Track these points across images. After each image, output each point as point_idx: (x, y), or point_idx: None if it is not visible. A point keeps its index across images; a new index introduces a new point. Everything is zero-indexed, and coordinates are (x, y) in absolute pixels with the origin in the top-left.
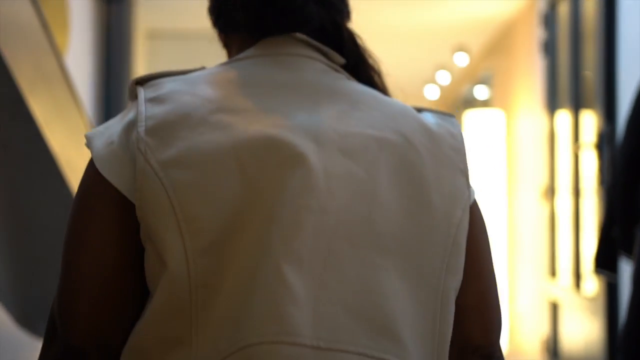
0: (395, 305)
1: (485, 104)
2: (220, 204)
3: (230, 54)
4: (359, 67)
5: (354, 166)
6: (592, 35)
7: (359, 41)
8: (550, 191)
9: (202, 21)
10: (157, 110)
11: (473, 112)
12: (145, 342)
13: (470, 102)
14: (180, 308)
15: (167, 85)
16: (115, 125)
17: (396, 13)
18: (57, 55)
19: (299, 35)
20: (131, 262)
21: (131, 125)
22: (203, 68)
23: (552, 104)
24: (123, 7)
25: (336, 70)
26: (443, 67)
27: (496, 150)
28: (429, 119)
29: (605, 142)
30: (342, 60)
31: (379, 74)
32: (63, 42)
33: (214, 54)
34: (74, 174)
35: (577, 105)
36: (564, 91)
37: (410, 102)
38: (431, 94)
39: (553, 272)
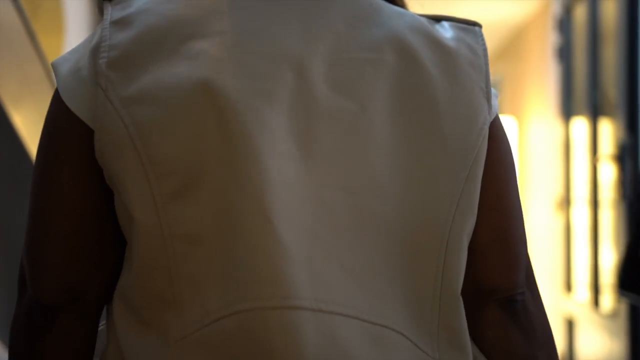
0: (391, 260)
1: None
2: (189, 142)
3: None
4: None
5: (342, 100)
6: (612, 39)
7: None
8: (566, 202)
9: None
10: (122, 37)
11: None
12: (133, 299)
13: None
14: (157, 263)
15: (136, 3)
16: (83, 48)
17: None
18: (45, 63)
19: None
20: (103, 208)
21: (95, 51)
22: None
23: (568, 112)
24: None
25: None
26: None
27: None
28: (445, 31)
29: (627, 153)
30: None
31: None
32: (59, 46)
33: None
34: None
35: (595, 113)
36: (581, 98)
37: None
38: None
39: (568, 287)
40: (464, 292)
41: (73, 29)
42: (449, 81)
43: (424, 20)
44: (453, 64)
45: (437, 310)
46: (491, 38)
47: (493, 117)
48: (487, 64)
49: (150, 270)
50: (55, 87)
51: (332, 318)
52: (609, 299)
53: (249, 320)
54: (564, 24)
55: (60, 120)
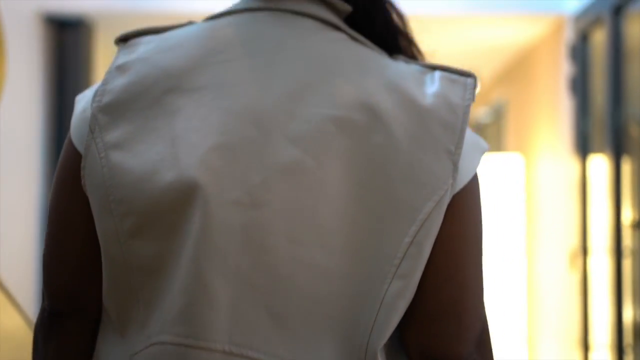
0: (325, 310)
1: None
2: (147, 190)
3: None
4: (371, 13)
5: (299, 154)
6: (638, 65)
7: None
8: (582, 251)
9: None
10: (117, 83)
11: (487, 157)
12: (109, 310)
13: (478, 128)
14: (124, 285)
15: (140, 49)
16: (95, 87)
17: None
18: None
19: None
20: (93, 226)
21: (95, 95)
22: (191, 23)
23: (584, 148)
24: (79, 33)
25: (335, 27)
26: None
27: (513, 201)
28: (430, 85)
29: None
30: (347, 8)
31: (400, 17)
32: (0, 74)
33: None
34: None
35: (617, 151)
36: (599, 134)
37: None
38: None
39: (585, 347)
40: (410, 356)
41: (22, 55)
42: (412, 145)
43: (413, 71)
44: (422, 126)
45: None
46: (495, 61)
47: (463, 182)
48: (464, 122)
49: (119, 289)
50: None
51: None
52: None
53: (162, 353)
54: (578, 52)
55: (66, 152)
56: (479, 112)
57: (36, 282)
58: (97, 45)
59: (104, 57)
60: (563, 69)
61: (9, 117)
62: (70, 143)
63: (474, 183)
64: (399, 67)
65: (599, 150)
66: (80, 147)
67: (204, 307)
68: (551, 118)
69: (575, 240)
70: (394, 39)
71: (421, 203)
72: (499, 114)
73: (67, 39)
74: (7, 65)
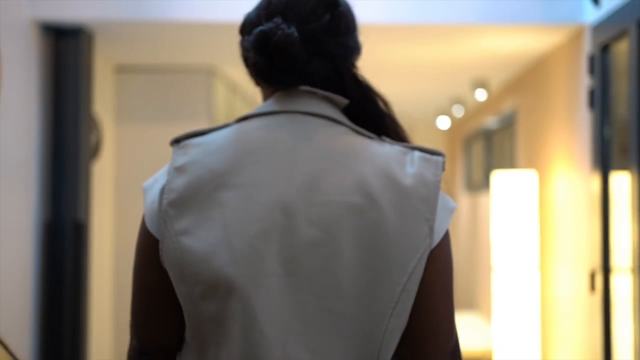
0: (345, 343)
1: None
2: (212, 266)
3: (261, 92)
4: (363, 103)
5: (317, 232)
6: None
7: (361, 80)
8: (603, 270)
9: (172, 56)
10: (178, 182)
11: (500, 174)
12: (187, 351)
13: (485, 134)
14: (199, 333)
15: (191, 152)
16: (159, 181)
17: (416, 47)
18: None
19: (304, 87)
20: (171, 289)
21: (162, 192)
22: (226, 125)
23: (604, 164)
24: (79, 42)
25: (337, 122)
26: (459, 101)
27: (526, 219)
28: (410, 165)
29: None
30: (345, 101)
31: (385, 103)
32: None
33: (182, 86)
34: None
35: None
36: (621, 149)
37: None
38: (443, 124)
39: None
40: None
41: (18, 64)
42: (399, 217)
43: (396, 152)
44: (406, 202)
45: None
46: (508, 70)
47: (438, 239)
48: (436, 194)
49: (197, 334)
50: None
51: None
52: None
53: None
54: (598, 63)
55: (143, 232)
56: (488, 120)
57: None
58: (95, 54)
59: (102, 65)
60: (580, 80)
61: (4, 127)
62: (146, 228)
63: (445, 238)
64: (386, 151)
65: (621, 165)
66: (155, 233)
67: (260, 349)
68: (567, 132)
69: (595, 259)
70: (381, 122)
71: (408, 260)
72: (509, 123)
73: (64, 47)
74: (2, 73)
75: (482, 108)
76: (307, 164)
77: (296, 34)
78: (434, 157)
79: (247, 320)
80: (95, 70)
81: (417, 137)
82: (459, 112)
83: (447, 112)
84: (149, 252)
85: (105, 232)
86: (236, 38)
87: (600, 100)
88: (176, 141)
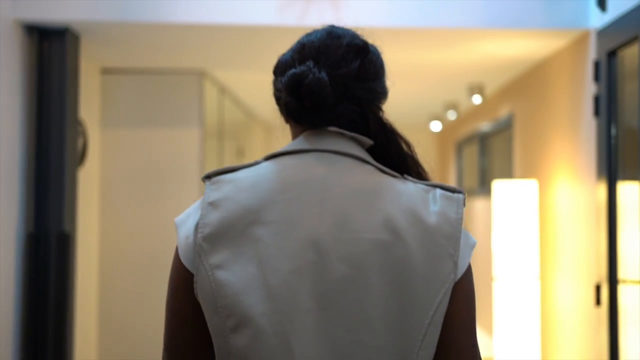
0: None
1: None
2: (247, 301)
3: (290, 129)
4: (387, 145)
5: (347, 269)
6: None
7: (386, 122)
8: (609, 281)
9: (161, 59)
10: (212, 217)
11: (500, 183)
12: None
13: (481, 138)
14: None
15: (224, 188)
16: (192, 216)
17: (415, 50)
18: None
19: (333, 128)
20: (203, 322)
21: (197, 227)
22: (256, 163)
23: (610, 173)
24: (64, 43)
25: (363, 161)
26: (455, 104)
27: (527, 228)
28: (433, 203)
29: None
30: (370, 142)
31: (407, 144)
32: None
33: (167, 88)
34: None
35: None
36: (629, 157)
37: (414, 132)
38: (436, 126)
39: None
40: None
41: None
42: (425, 254)
43: (419, 191)
44: (431, 239)
45: None
46: (507, 75)
47: (461, 274)
48: (459, 231)
49: None
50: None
51: None
52: None
53: None
54: (604, 69)
55: (177, 267)
56: (483, 124)
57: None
58: (82, 56)
59: (88, 68)
60: (584, 86)
61: None
62: (180, 262)
63: (468, 272)
64: (410, 190)
65: (628, 174)
66: (189, 267)
67: None
68: (569, 139)
69: (601, 271)
70: (403, 163)
71: (434, 294)
72: (505, 127)
73: (49, 49)
74: None
75: (477, 111)
76: (337, 202)
77: (326, 78)
78: (455, 195)
79: (282, 354)
80: (81, 72)
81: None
82: (453, 115)
83: (442, 115)
84: (184, 286)
85: (91, 241)
86: (226, 40)
87: (607, 107)
88: (207, 177)
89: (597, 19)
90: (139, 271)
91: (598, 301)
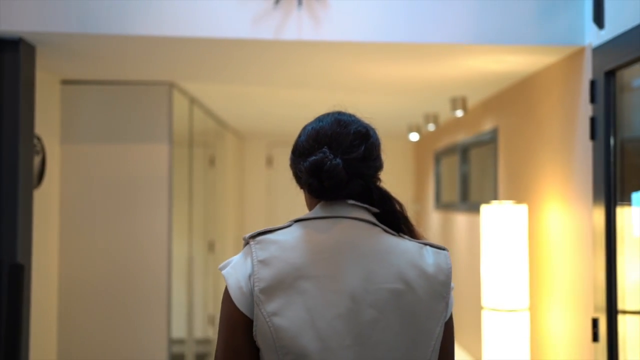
0: None
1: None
2: (302, 341)
3: (305, 197)
4: (386, 210)
5: (375, 313)
6: None
7: (384, 191)
8: (609, 314)
9: (126, 72)
10: (264, 273)
11: (489, 208)
12: None
13: (463, 150)
14: None
15: (270, 249)
16: (240, 268)
17: (399, 65)
18: None
19: (350, 201)
20: (255, 353)
21: (250, 278)
22: (289, 225)
23: (608, 197)
24: (18, 53)
25: (374, 224)
26: (436, 116)
27: (516, 255)
28: (428, 257)
29: None
30: (376, 210)
31: (400, 205)
32: None
33: (134, 99)
34: None
35: None
36: (627, 181)
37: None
38: (414, 137)
39: None
40: None
41: None
42: (427, 297)
43: (417, 248)
44: (431, 286)
45: None
46: (488, 89)
47: (449, 313)
48: (450, 278)
49: None
50: (225, 287)
51: None
52: None
53: None
54: (600, 88)
55: (232, 311)
56: (465, 137)
57: None
58: (39, 67)
59: (45, 77)
60: (578, 105)
61: None
62: (236, 307)
63: (451, 312)
64: (409, 247)
65: (626, 199)
66: (247, 313)
67: None
68: (562, 161)
69: (598, 302)
70: (399, 223)
71: (433, 328)
72: (488, 141)
73: (1, 58)
74: None
75: (460, 123)
76: (363, 260)
77: (341, 163)
78: (442, 251)
79: None
80: (38, 84)
81: (386, 148)
82: (432, 127)
83: (421, 127)
84: (241, 327)
85: (50, 269)
86: (192, 52)
87: (605, 129)
88: (251, 237)
89: (593, 36)
90: (102, 301)
91: (595, 337)
